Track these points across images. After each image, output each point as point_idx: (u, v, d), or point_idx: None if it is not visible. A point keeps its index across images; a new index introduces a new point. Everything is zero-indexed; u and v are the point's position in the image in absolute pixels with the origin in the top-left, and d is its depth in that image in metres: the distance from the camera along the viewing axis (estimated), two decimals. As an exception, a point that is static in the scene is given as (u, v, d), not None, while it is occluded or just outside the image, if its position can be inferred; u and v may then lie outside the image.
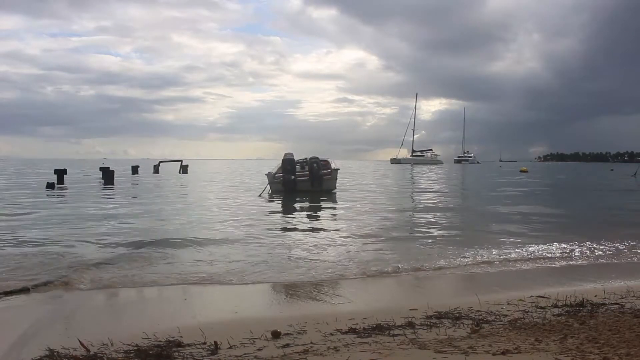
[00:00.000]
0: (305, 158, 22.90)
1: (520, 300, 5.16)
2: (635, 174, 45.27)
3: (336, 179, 22.61)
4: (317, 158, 22.37)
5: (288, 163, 21.50)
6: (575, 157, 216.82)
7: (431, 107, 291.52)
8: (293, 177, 21.34)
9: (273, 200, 19.29)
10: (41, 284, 6.28)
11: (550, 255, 8.44)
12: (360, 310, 4.89)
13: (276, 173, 21.84)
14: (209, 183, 33.57)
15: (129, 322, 4.91)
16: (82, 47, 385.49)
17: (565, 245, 9.20)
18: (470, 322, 4.33)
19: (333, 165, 22.96)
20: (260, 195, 20.54)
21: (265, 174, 22.29)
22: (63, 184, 27.27)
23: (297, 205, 17.55)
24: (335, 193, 21.48)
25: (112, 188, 25.80)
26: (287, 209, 16.92)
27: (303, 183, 21.56)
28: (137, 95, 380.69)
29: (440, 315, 4.55)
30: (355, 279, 6.77)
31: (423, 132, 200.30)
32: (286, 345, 3.86)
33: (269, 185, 21.50)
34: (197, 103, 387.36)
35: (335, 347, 3.69)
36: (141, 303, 5.91)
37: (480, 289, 6.01)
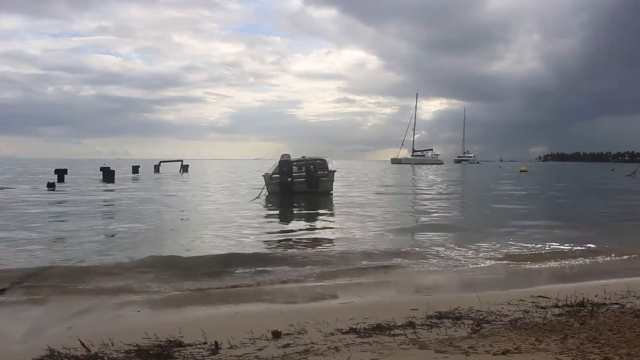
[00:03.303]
0: (304, 156, 22.81)
1: (521, 300, 5.15)
2: (633, 174, 45.09)
3: (333, 180, 22.57)
4: (315, 161, 22.37)
5: (284, 165, 21.49)
6: (576, 157, 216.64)
7: (432, 107, 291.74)
8: (290, 179, 21.32)
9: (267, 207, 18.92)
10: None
11: (550, 255, 8.44)
12: (361, 310, 4.89)
13: (273, 174, 21.80)
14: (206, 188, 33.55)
15: (130, 322, 4.92)
16: (83, 47, 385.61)
17: (565, 245, 9.21)
18: (471, 322, 4.33)
19: (330, 166, 22.84)
20: (252, 201, 19.09)
21: (262, 175, 22.27)
22: (64, 182, 27.31)
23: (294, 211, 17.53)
24: (332, 195, 21.45)
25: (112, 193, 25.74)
26: (284, 215, 16.91)
27: (299, 184, 21.53)
28: (137, 95, 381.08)
29: (440, 315, 4.55)
30: (356, 279, 6.77)
31: (423, 132, 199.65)
32: (287, 345, 3.86)
33: (265, 188, 21.45)
34: (197, 103, 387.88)
35: (336, 347, 3.69)
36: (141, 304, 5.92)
37: (480, 288, 6.02)
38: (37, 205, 16.94)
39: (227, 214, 14.50)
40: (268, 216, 15.13)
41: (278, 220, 14.67)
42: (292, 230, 11.77)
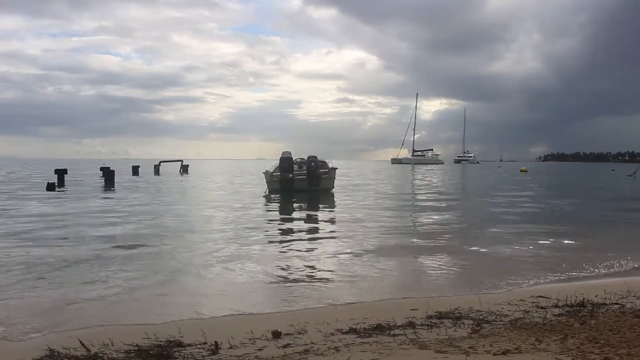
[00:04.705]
0: (303, 158, 22.86)
1: (521, 300, 5.16)
2: (634, 173, 44.97)
3: (334, 178, 22.52)
4: (316, 157, 22.34)
5: (285, 162, 21.45)
6: (576, 157, 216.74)
7: (432, 107, 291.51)
8: (291, 175, 21.30)
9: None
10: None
11: (551, 255, 8.43)
12: (361, 310, 4.89)
13: (274, 172, 21.78)
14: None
15: (130, 322, 4.91)
16: (83, 47, 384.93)
17: (565, 246, 9.21)
18: (471, 322, 4.33)
19: (331, 166, 22.86)
20: (265, 194, 20.69)
21: (263, 173, 22.22)
22: (64, 185, 27.24)
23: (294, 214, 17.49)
24: (333, 193, 21.39)
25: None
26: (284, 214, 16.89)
27: (300, 182, 21.48)
28: (137, 95, 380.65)
29: (440, 315, 4.55)
30: (356, 279, 6.76)
31: (423, 132, 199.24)
32: (287, 345, 3.86)
33: (267, 185, 21.48)
34: (197, 103, 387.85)
35: (335, 347, 3.69)
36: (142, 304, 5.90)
37: (480, 288, 6.02)
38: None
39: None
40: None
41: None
42: (291, 234, 11.72)
